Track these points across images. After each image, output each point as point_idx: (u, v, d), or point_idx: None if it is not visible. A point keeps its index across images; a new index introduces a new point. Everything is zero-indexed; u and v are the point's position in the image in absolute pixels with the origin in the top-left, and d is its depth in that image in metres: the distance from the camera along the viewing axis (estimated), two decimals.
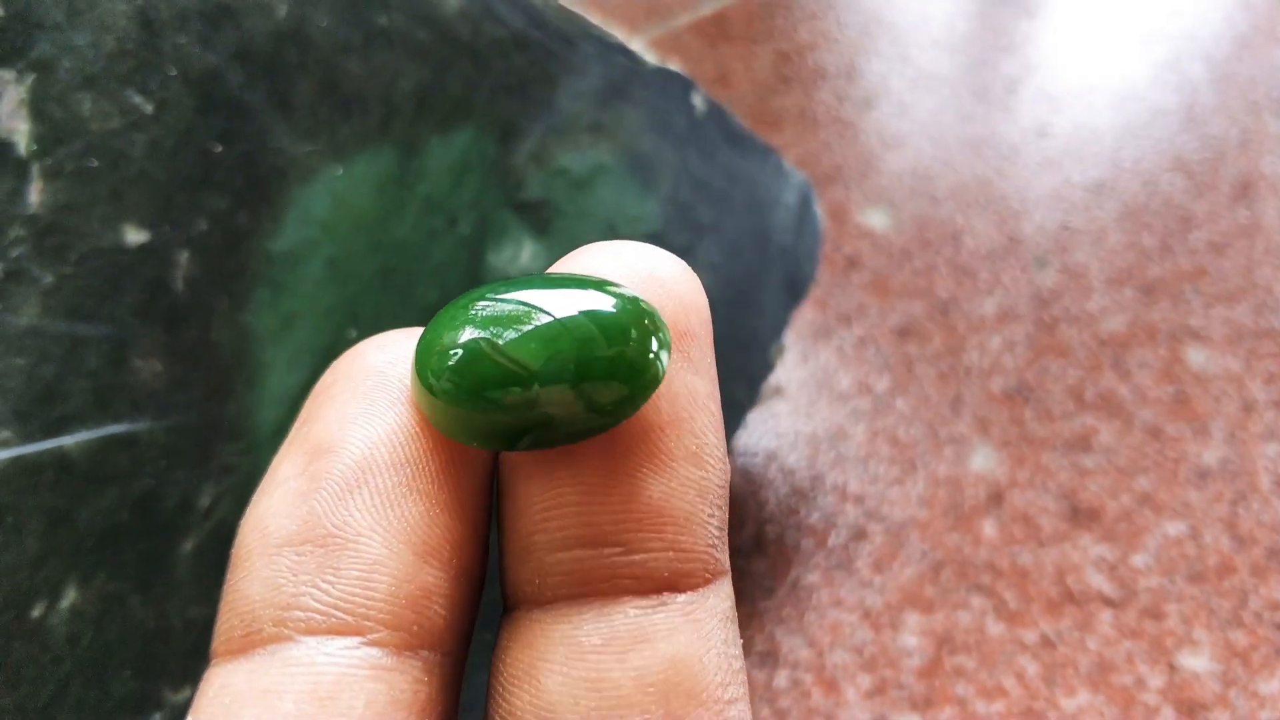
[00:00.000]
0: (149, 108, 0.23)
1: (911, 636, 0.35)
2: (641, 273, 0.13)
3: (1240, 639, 0.35)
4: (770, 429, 0.40)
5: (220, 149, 0.24)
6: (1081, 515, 0.38)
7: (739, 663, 0.13)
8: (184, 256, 0.23)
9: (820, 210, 0.36)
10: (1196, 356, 0.43)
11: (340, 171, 0.25)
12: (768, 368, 0.33)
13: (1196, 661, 0.34)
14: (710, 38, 0.53)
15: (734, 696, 0.12)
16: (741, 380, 0.33)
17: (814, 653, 0.34)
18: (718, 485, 0.13)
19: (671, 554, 0.12)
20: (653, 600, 0.12)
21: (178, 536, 0.23)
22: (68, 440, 0.22)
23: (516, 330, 0.12)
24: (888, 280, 0.45)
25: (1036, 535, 0.37)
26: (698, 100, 0.31)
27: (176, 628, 0.23)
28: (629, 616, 0.12)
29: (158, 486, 0.23)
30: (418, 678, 0.12)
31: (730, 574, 0.13)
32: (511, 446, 0.12)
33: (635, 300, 0.12)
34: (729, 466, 0.13)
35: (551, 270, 0.13)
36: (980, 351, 0.42)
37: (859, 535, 0.37)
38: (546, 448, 0.12)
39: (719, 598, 0.13)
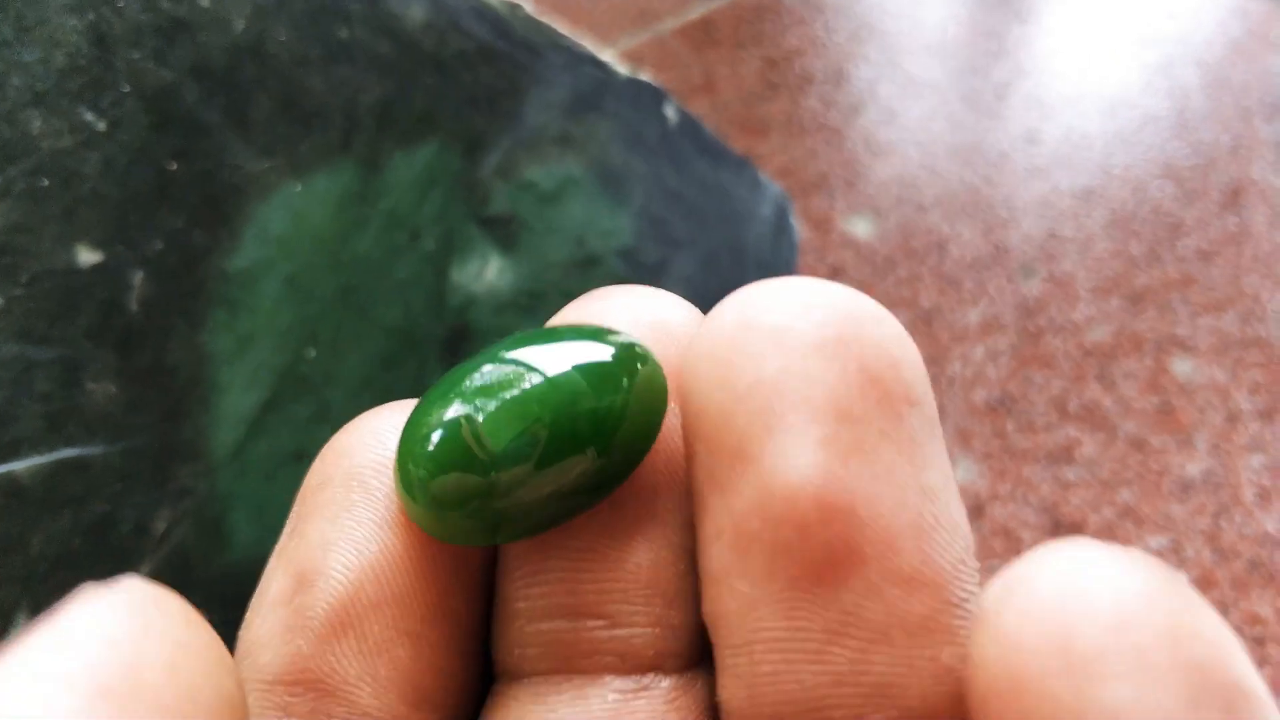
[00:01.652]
0: (102, 125, 0.23)
1: None
2: (646, 319, 0.12)
3: None
4: None
5: (176, 166, 0.23)
6: (1063, 528, 0.37)
7: None
8: (138, 277, 0.23)
9: (798, 222, 0.35)
10: (1182, 366, 0.42)
11: (299, 188, 0.25)
12: None
13: None
14: (697, 43, 0.53)
15: None
16: None
17: None
18: None
19: (658, 630, 0.11)
20: (635, 682, 0.11)
21: (133, 561, 0.23)
22: (19, 465, 0.22)
23: (499, 399, 0.11)
24: (871, 290, 0.44)
25: (1017, 549, 0.37)
26: (670, 111, 0.31)
27: None
28: (607, 701, 0.11)
29: (112, 511, 0.23)
30: None
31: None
32: (496, 539, 0.11)
33: (631, 346, 0.11)
34: None
35: (557, 320, 0.12)
36: (963, 362, 0.42)
37: None
38: (544, 531, 0.11)
39: (708, 685, 0.12)
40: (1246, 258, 0.46)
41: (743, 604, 0.10)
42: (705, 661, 0.12)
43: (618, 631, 0.11)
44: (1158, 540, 0.37)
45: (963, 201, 0.47)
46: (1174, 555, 0.37)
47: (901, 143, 0.49)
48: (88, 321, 0.22)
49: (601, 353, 0.11)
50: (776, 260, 0.34)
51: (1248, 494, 0.38)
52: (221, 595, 0.24)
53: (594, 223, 0.29)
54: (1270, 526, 0.38)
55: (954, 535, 0.10)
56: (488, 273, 0.27)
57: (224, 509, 0.24)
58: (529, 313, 0.28)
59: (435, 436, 0.11)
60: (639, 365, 0.11)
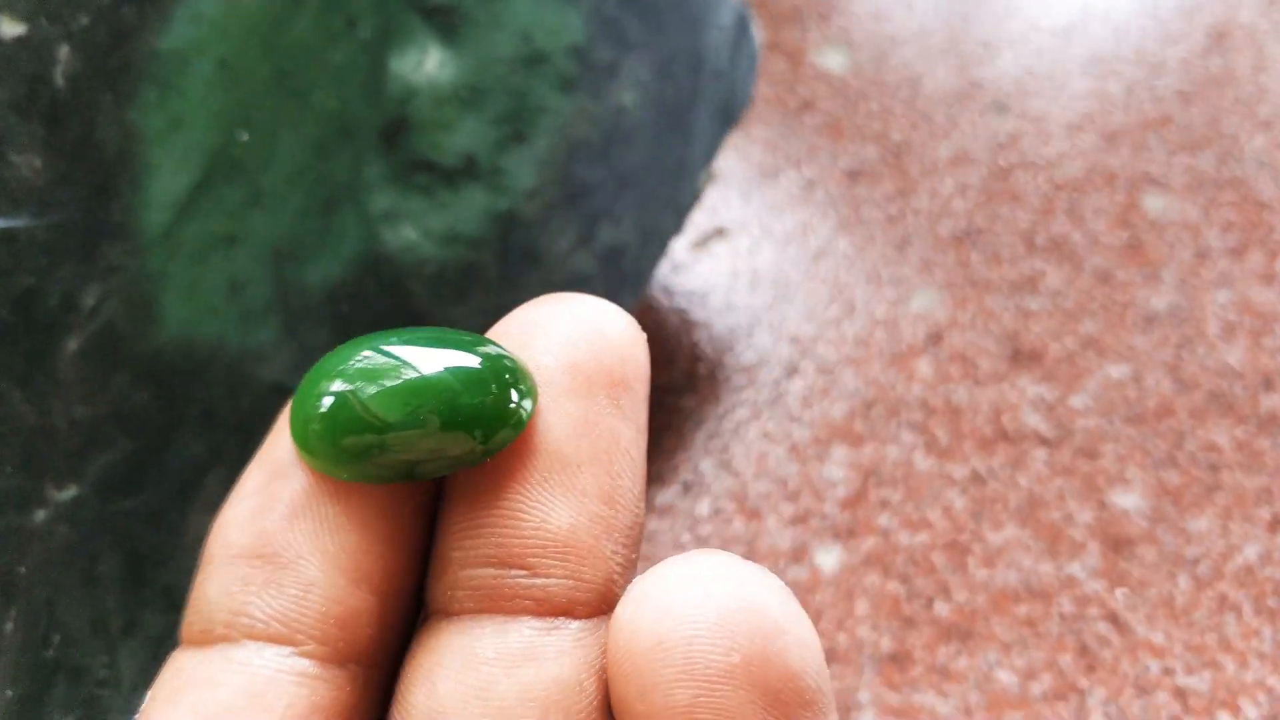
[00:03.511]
0: None
1: (837, 469, 0.34)
2: (586, 327, 0.15)
3: (1173, 478, 0.34)
4: (709, 269, 0.39)
5: None
6: (1022, 356, 0.37)
7: None
8: (64, 51, 0.23)
9: (758, 41, 0.34)
10: (1154, 203, 0.42)
11: None
12: (696, 196, 0.33)
13: (1127, 499, 0.34)
14: None
15: None
16: (669, 208, 0.32)
17: (737, 482, 0.34)
18: (626, 526, 0.14)
19: (571, 582, 0.14)
20: (548, 623, 0.13)
21: (61, 335, 0.23)
22: None
23: (380, 384, 0.13)
24: (841, 123, 0.43)
25: (974, 375, 0.37)
26: None
27: (60, 427, 0.23)
28: (524, 636, 0.13)
29: (38, 284, 0.23)
30: (340, 686, 0.14)
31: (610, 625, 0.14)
32: (377, 480, 0.14)
33: (498, 357, 0.14)
34: (643, 511, 0.15)
35: (499, 327, 0.15)
36: (931, 195, 0.42)
37: (791, 372, 0.37)
38: (407, 480, 0.14)
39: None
40: (1228, 100, 0.45)
41: None
42: (610, 611, 0.14)
43: (537, 581, 0.13)
44: (1119, 369, 0.37)
45: (938, 36, 0.46)
46: (1134, 385, 0.37)
47: None
48: (11, 93, 0.22)
49: (471, 360, 0.14)
50: (734, 71, 0.33)
51: (1212, 328, 0.38)
52: (154, 373, 0.24)
53: (542, 19, 0.28)
54: (1232, 359, 0.37)
55: None
56: (428, 64, 0.27)
57: (155, 289, 0.24)
58: (471, 107, 0.27)
59: (327, 403, 0.13)
60: (506, 375, 0.14)
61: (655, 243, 0.32)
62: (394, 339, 0.14)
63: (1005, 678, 0.31)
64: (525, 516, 0.14)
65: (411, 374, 0.13)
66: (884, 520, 0.33)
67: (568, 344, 0.14)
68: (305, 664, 0.13)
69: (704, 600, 0.13)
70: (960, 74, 0.45)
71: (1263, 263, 0.40)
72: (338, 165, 0.26)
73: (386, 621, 0.14)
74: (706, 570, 0.13)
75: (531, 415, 0.14)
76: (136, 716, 0.14)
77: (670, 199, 0.32)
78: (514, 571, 0.13)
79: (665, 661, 0.12)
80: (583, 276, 0.29)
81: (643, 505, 0.15)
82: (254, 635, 0.13)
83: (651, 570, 0.13)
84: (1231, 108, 0.45)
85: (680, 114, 0.31)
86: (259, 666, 0.13)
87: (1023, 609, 0.32)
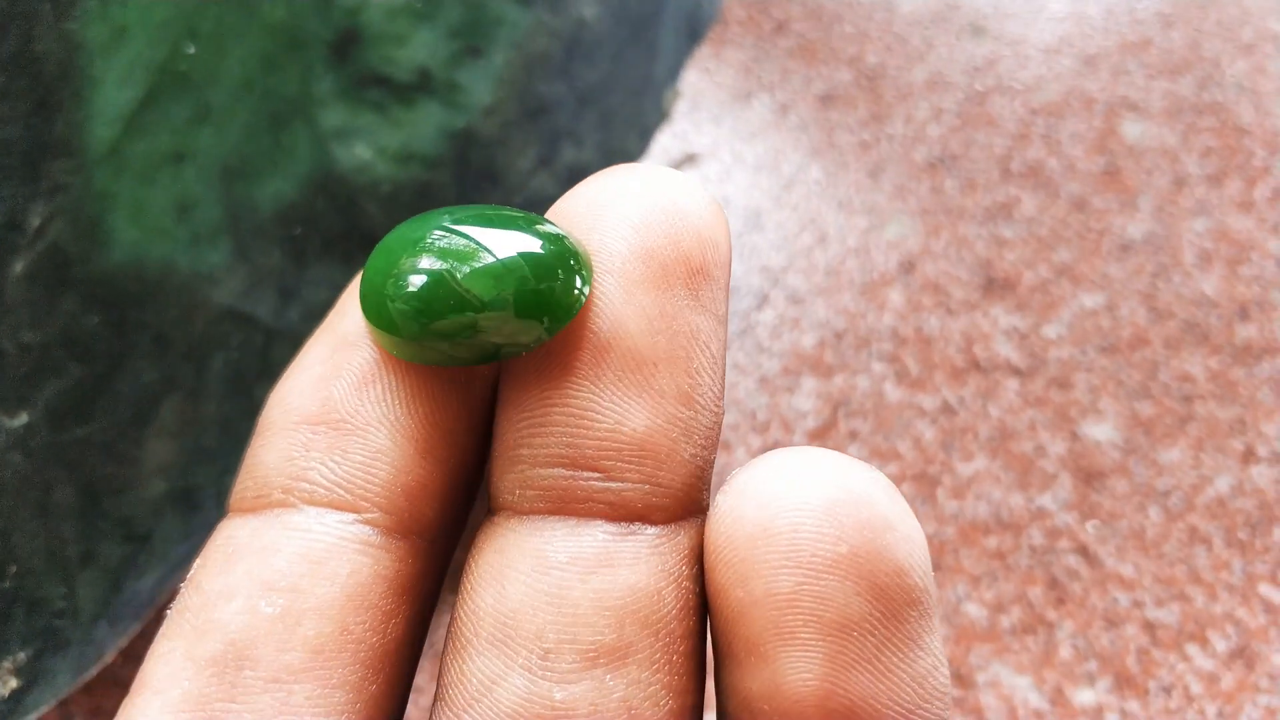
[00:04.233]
0: None
1: (807, 400, 0.34)
2: (660, 206, 0.13)
3: (1146, 409, 0.34)
4: None
5: None
6: (996, 285, 0.37)
7: (699, 600, 0.13)
8: None
9: None
10: (1132, 129, 0.41)
11: None
12: (661, 115, 0.32)
13: (1099, 430, 0.34)
14: None
15: (689, 631, 0.13)
16: (633, 128, 0.31)
17: None
18: (705, 427, 0.13)
19: (648, 487, 0.13)
20: (623, 528, 0.13)
21: (6, 257, 0.22)
22: None
23: (471, 265, 0.13)
24: (815, 45, 0.43)
25: (946, 304, 0.36)
26: None
27: (9, 351, 0.22)
28: (598, 540, 0.13)
29: None
30: (402, 558, 0.13)
31: (708, 515, 0.13)
32: (447, 363, 0.13)
33: (559, 238, 0.13)
34: (722, 410, 0.14)
35: (573, 194, 0.14)
36: (906, 121, 0.41)
37: (762, 303, 0.36)
38: (476, 364, 0.13)
39: (689, 536, 0.13)
40: (1210, 23, 0.44)
41: None
42: (689, 517, 0.13)
43: (611, 484, 0.13)
44: (1093, 299, 0.37)
45: None
46: (1108, 314, 0.36)
47: None
48: None
49: (536, 244, 0.13)
50: None
51: (1188, 256, 0.38)
52: (104, 296, 0.23)
53: None
54: (1208, 289, 0.37)
55: (937, 704, 0.12)
56: None
57: (102, 209, 0.23)
58: (425, 19, 0.26)
59: (418, 281, 0.13)
60: (570, 260, 0.13)
61: (619, 164, 0.31)
62: (448, 217, 0.13)
63: (974, 610, 0.30)
64: (598, 417, 0.13)
65: (490, 257, 0.13)
66: (853, 451, 0.33)
67: (641, 227, 0.13)
68: (368, 532, 0.13)
69: (811, 490, 0.12)
70: None
71: (1241, 190, 0.39)
72: (287, 80, 0.25)
73: (449, 498, 0.14)
74: (812, 462, 0.12)
75: (586, 300, 0.13)
76: (183, 584, 0.13)
77: (634, 118, 0.31)
78: (586, 474, 0.13)
79: (769, 549, 0.12)
80: (544, 198, 0.28)
81: (722, 404, 0.14)
82: (314, 501, 0.13)
83: (753, 461, 0.13)
84: (1213, 31, 0.44)
85: (644, 27, 0.30)
86: (320, 533, 0.13)
87: (992, 541, 0.32)
